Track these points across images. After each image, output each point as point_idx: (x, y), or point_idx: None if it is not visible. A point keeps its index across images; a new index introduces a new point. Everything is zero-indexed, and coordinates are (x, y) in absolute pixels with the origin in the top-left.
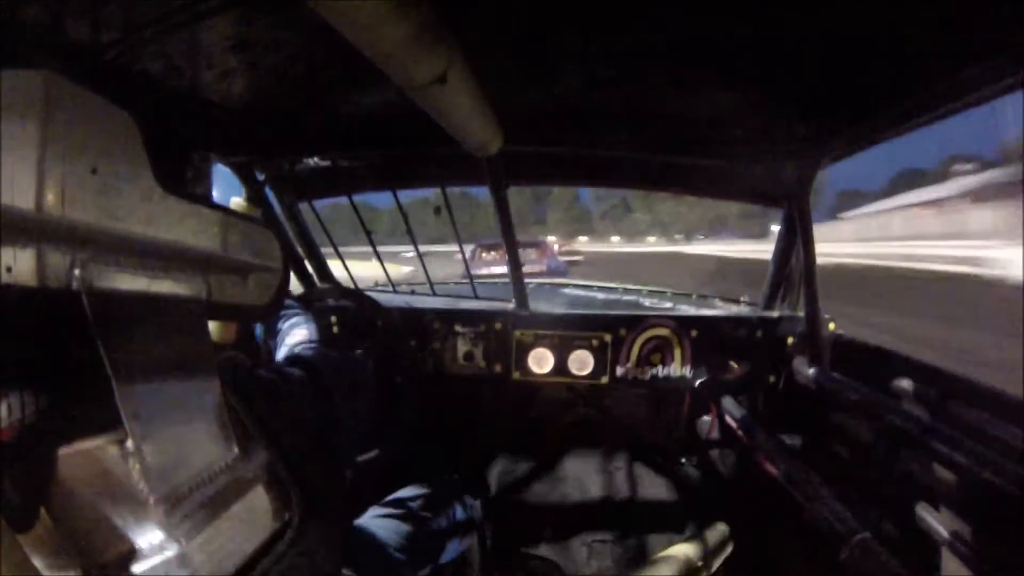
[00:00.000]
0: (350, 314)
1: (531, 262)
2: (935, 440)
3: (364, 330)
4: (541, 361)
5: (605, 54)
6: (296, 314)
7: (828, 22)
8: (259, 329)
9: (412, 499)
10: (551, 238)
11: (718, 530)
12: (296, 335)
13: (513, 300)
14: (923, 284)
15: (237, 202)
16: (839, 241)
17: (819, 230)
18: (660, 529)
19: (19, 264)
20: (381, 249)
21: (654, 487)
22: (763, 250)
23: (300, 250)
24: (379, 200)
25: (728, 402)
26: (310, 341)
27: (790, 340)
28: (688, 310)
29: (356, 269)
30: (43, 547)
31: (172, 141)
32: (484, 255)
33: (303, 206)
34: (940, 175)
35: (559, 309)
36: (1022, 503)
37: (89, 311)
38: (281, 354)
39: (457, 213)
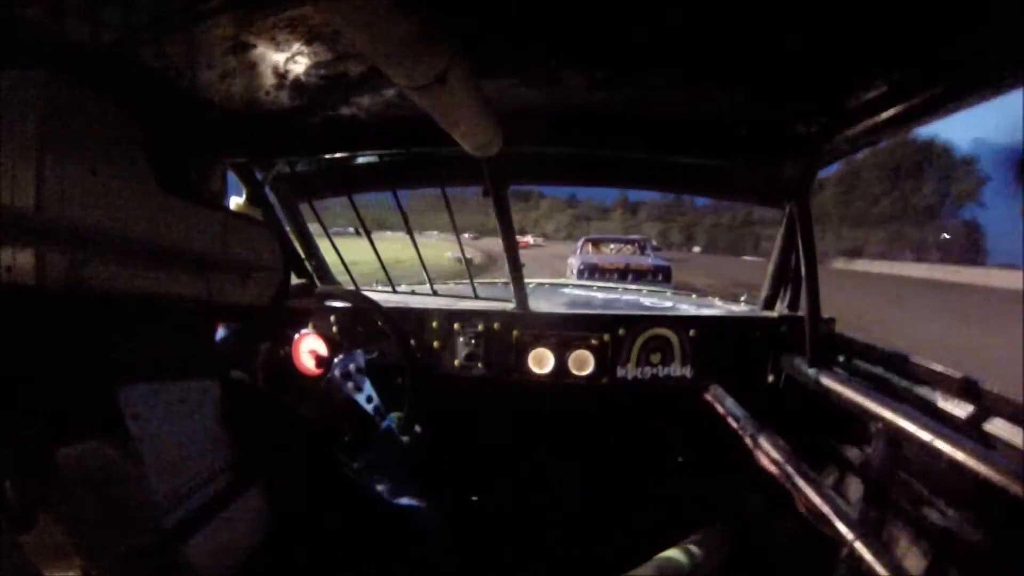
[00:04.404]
0: (350, 314)
1: (635, 259)
2: (935, 440)
3: (364, 330)
4: (541, 361)
5: (605, 54)
6: None
7: (828, 22)
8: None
9: (411, 499)
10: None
11: (718, 530)
12: None
13: (513, 300)
14: None
15: (237, 202)
16: None
17: None
18: (660, 529)
19: (19, 264)
20: None
21: (654, 487)
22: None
23: (300, 250)
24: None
25: (728, 402)
26: None
27: (790, 340)
28: (688, 310)
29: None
30: (43, 547)
31: (172, 141)
32: (591, 249)
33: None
34: None
35: (559, 309)
36: (1022, 503)
37: (89, 311)
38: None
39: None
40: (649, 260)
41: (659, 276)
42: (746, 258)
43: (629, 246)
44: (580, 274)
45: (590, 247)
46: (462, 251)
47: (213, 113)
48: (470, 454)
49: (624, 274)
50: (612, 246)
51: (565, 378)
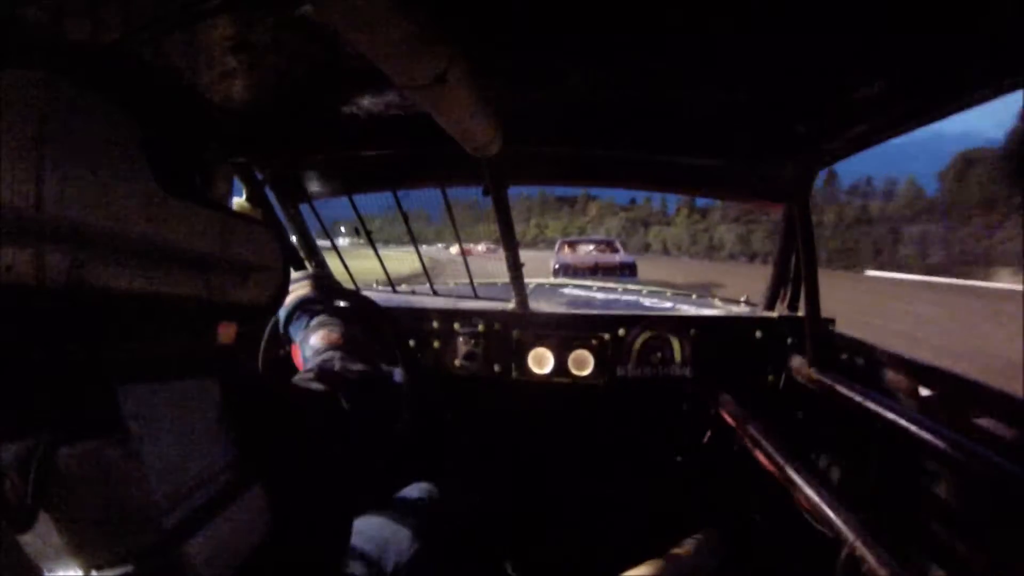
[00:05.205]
0: (349, 314)
1: (605, 257)
2: (934, 440)
3: (364, 330)
4: (541, 361)
5: (605, 54)
6: (320, 311)
7: (828, 22)
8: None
9: (412, 499)
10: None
11: (717, 530)
12: (321, 335)
13: (513, 300)
14: None
15: (237, 202)
16: None
17: None
18: (659, 529)
19: (19, 264)
20: None
21: (653, 488)
22: None
23: (300, 250)
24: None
25: (728, 402)
26: (335, 347)
27: (790, 340)
28: (688, 310)
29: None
30: (43, 547)
31: (172, 141)
32: (568, 250)
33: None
34: None
35: (559, 309)
36: (1021, 503)
37: (89, 311)
38: (307, 353)
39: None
40: (617, 257)
41: (626, 271)
42: (871, 273)
43: (601, 246)
44: (555, 273)
45: (567, 248)
46: (462, 253)
47: (213, 113)
48: (469, 454)
49: (594, 270)
50: (582, 248)
51: (565, 378)
